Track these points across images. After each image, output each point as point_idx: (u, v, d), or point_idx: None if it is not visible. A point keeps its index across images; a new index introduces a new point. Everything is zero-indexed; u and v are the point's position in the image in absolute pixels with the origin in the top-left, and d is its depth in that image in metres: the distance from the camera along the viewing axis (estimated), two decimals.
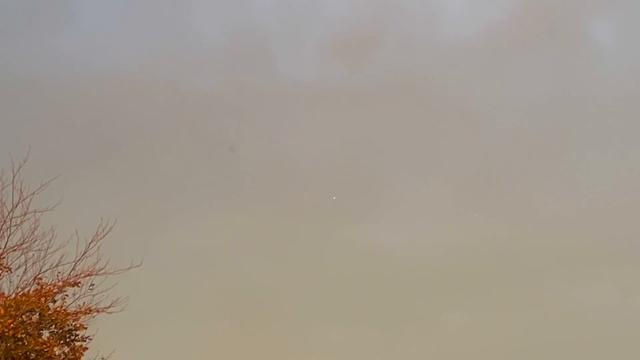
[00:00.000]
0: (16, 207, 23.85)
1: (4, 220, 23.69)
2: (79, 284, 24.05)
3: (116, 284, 24.41)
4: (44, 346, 22.98)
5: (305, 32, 62.54)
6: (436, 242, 54.64)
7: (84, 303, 24.09)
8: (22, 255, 23.94)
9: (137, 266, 24.87)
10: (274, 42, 61.79)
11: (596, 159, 57.35)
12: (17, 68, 54.03)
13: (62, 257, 24.14)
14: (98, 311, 24.13)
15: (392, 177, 58.98)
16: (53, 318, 23.42)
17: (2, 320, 22.15)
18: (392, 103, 58.99)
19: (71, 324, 23.83)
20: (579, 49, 60.13)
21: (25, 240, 23.89)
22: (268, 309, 49.80)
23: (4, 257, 23.63)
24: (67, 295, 24.04)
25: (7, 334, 22.20)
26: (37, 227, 24.05)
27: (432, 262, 52.94)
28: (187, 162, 55.97)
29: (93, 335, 24.27)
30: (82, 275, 24.10)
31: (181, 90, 57.48)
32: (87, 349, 24.07)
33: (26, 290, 23.65)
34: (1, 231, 23.60)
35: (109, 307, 24.27)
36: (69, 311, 23.88)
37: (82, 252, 24.25)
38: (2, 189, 23.81)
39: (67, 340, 23.92)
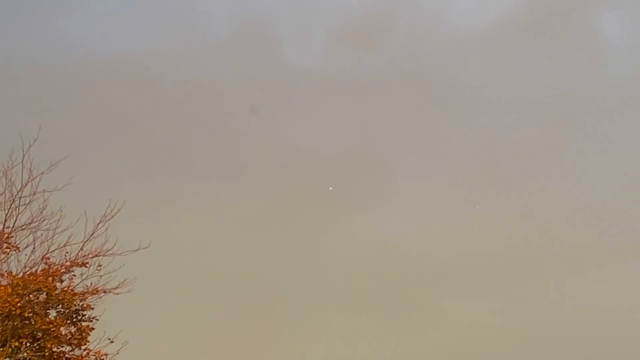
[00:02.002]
0: (25, 186, 23.90)
1: (13, 199, 23.74)
2: (87, 265, 24.09)
3: (123, 265, 24.46)
4: (51, 326, 23.04)
5: (313, 21, 62.52)
6: (439, 232, 54.77)
7: (91, 283, 24.15)
8: (31, 235, 24.02)
9: (145, 248, 24.90)
10: (282, 30, 61.79)
11: (604, 155, 57.25)
12: (28, 50, 54.21)
13: (70, 237, 24.19)
14: (105, 292, 24.16)
15: (397, 167, 59.01)
16: (60, 298, 23.46)
17: (9, 299, 22.21)
18: (399, 92, 58.90)
19: (78, 304, 23.86)
20: (588, 42, 59.93)
21: (34, 220, 23.96)
22: (271, 295, 49.93)
23: (12, 236, 23.68)
24: (74, 275, 24.09)
25: (14, 312, 22.27)
26: (46, 206, 24.12)
27: (435, 252, 53.02)
28: (194, 148, 56.05)
29: (100, 315, 24.33)
30: (90, 255, 24.14)
31: (188, 77, 57.52)
32: (93, 329, 24.12)
33: (34, 269, 23.70)
34: (10, 210, 23.66)
35: (116, 288, 24.31)
36: (76, 291, 23.92)
37: (90, 233, 24.30)
38: (11, 168, 23.87)
39: (74, 320, 23.97)
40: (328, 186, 55.44)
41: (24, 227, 23.88)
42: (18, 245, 23.81)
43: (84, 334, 23.88)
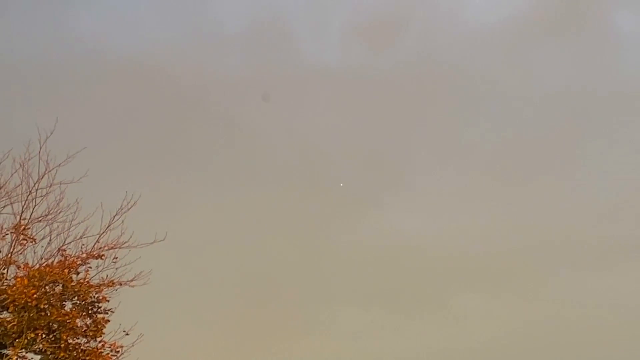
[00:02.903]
0: (42, 178, 23.94)
1: (30, 191, 23.79)
2: (103, 257, 24.13)
3: (139, 257, 24.50)
4: (67, 317, 23.11)
5: (329, 17, 62.49)
6: (451, 228, 54.85)
7: (107, 276, 24.20)
8: (47, 227, 24.07)
9: (161, 241, 24.91)
10: (298, 26, 61.79)
11: (619, 151, 57.03)
12: (46, 46, 54.44)
13: (86, 229, 24.24)
14: (121, 284, 24.22)
15: (410, 162, 59.07)
16: (76, 290, 23.53)
17: (25, 291, 22.28)
18: (414, 88, 58.88)
19: (94, 296, 23.93)
20: (603, 38, 59.72)
21: (51, 212, 24.00)
22: (285, 288, 50.05)
23: (28, 228, 23.74)
24: (90, 267, 24.15)
25: (30, 304, 22.34)
26: (63, 198, 24.16)
27: (447, 247, 53.10)
28: (209, 142, 56.14)
29: (115, 307, 24.41)
30: (106, 248, 24.17)
31: (203, 72, 57.60)
32: (109, 321, 24.19)
33: (50, 261, 23.75)
34: (27, 202, 23.71)
35: (131, 280, 24.35)
36: (92, 283, 23.98)
37: (107, 225, 24.34)
38: (28, 160, 23.92)
39: (90, 312, 24.05)
40: (341, 181, 55.46)
41: (40, 219, 23.94)
42: (34, 237, 23.86)
43: (99, 326, 23.95)
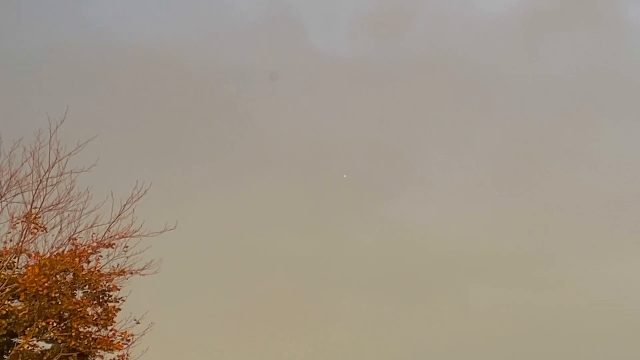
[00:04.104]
0: (53, 167, 23.90)
1: (40, 180, 23.77)
2: (114, 246, 24.13)
3: (150, 246, 24.45)
4: (77, 306, 23.16)
5: (338, 6, 62.27)
6: (460, 219, 54.69)
7: (118, 264, 24.22)
8: (58, 215, 24.04)
9: (172, 229, 24.88)
10: (307, 16, 61.59)
11: (628, 139, 56.76)
12: (57, 35, 54.48)
13: (97, 218, 24.21)
14: (132, 273, 24.22)
15: (421, 152, 58.88)
16: (87, 278, 23.58)
17: (36, 279, 22.32)
18: (422, 79, 58.67)
19: (104, 285, 23.98)
20: (612, 27, 59.39)
21: (61, 201, 23.98)
22: (294, 278, 50.05)
23: (39, 217, 23.75)
24: (101, 256, 24.15)
25: (41, 292, 22.39)
26: (73, 187, 24.12)
27: (455, 239, 52.96)
28: (218, 131, 56.11)
29: (126, 296, 24.46)
30: (117, 236, 24.16)
31: (213, 61, 57.56)
32: (119, 310, 24.23)
33: (61, 250, 23.76)
34: (37, 191, 23.69)
35: (142, 269, 24.34)
36: (102, 272, 24.01)
37: (117, 214, 24.29)
38: (39, 149, 23.90)
39: (100, 300, 24.10)
40: (350, 173, 55.39)
41: (51, 207, 23.93)
42: (45, 226, 23.86)
43: (110, 315, 23.99)
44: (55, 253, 23.54)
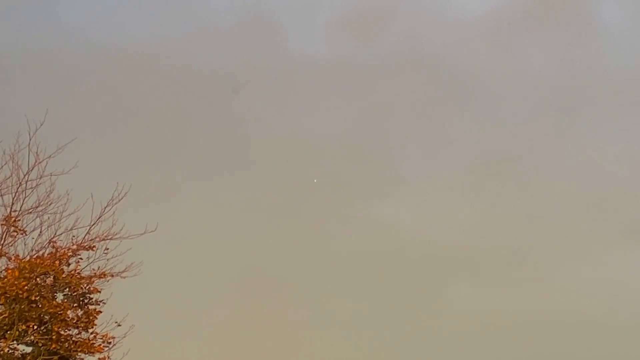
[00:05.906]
0: (32, 169, 23.88)
1: (20, 183, 23.73)
2: (94, 248, 24.09)
3: (130, 249, 24.46)
4: (58, 309, 23.06)
5: (316, 7, 62.29)
6: (444, 219, 54.81)
7: (98, 267, 24.15)
8: (37, 218, 24.02)
9: (152, 232, 24.89)
10: (284, 17, 61.55)
11: (607, 137, 57.17)
12: (35, 37, 54.15)
13: (77, 220, 24.20)
14: (112, 275, 24.17)
15: (402, 153, 58.98)
16: (67, 281, 23.48)
17: (16, 283, 22.23)
18: (402, 79, 58.70)
19: (85, 288, 23.89)
20: (588, 28, 59.71)
21: (41, 203, 23.95)
22: (278, 282, 50.03)
23: (19, 220, 23.69)
24: (81, 258, 24.10)
25: (21, 296, 22.29)
26: (53, 190, 24.10)
27: (441, 239, 53.07)
28: (198, 133, 56.01)
29: (107, 299, 24.36)
30: (97, 239, 24.14)
31: (191, 63, 57.42)
32: (100, 312, 24.16)
33: (41, 253, 23.71)
34: (17, 194, 23.65)
35: (123, 271, 24.31)
36: (83, 275, 23.95)
37: (97, 216, 24.31)
38: (18, 152, 23.85)
39: (81, 303, 24.01)
40: (332, 173, 55.44)
41: (30, 210, 23.89)
42: (25, 229, 23.82)
43: (91, 317, 23.92)
44: (35, 256, 23.47)
